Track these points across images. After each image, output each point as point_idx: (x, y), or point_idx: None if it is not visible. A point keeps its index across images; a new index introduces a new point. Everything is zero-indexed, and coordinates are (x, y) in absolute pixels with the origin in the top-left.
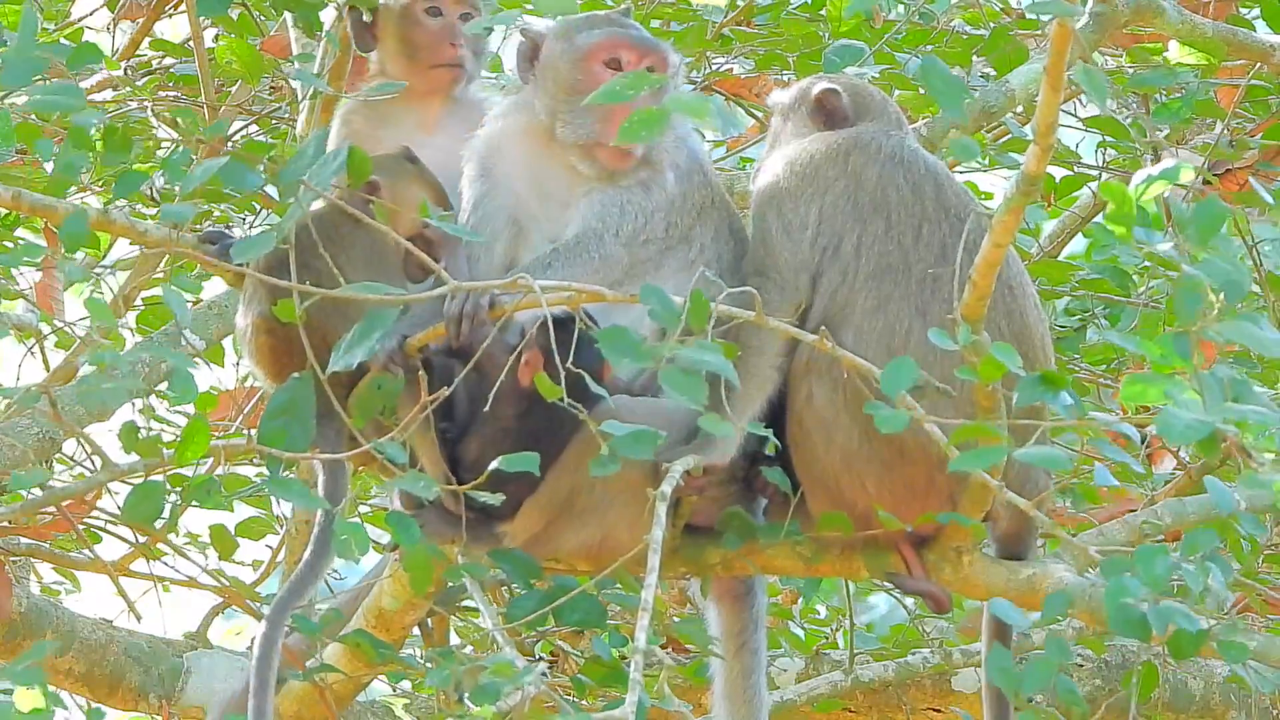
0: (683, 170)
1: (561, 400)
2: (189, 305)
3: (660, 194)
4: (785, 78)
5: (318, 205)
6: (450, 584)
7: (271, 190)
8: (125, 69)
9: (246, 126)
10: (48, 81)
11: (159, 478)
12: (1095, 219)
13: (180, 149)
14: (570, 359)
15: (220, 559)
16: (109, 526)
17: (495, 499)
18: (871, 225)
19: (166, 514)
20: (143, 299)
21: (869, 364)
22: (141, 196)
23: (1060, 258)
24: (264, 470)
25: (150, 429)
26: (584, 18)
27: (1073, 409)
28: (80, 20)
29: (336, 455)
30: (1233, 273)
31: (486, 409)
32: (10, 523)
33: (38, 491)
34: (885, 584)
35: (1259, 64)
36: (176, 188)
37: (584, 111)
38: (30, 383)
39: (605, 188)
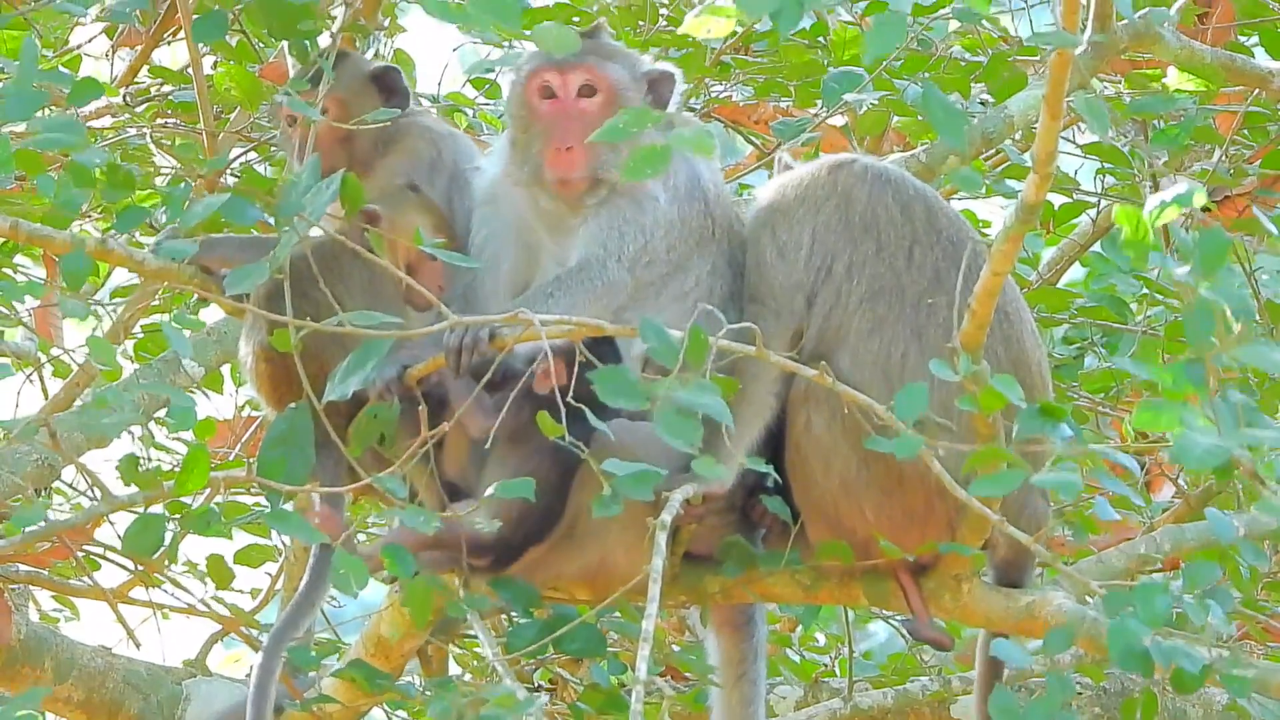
0: (681, 193)
1: (563, 438)
2: (187, 335)
3: (654, 208)
4: (785, 105)
5: (316, 233)
6: (450, 613)
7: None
8: (124, 96)
9: (245, 153)
10: (49, 111)
11: (158, 508)
12: (1094, 246)
13: (181, 183)
14: (571, 392)
15: (218, 588)
16: (108, 554)
17: (492, 526)
18: (862, 246)
19: (166, 543)
20: (141, 326)
21: (869, 399)
22: (142, 225)
23: (1059, 285)
24: (263, 499)
25: (149, 457)
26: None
27: (1072, 440)
28: (79, 47)
29: (336, 489)
30: (1244, 297)
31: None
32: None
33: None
34: (884, 611)
35: (1257, 90)
36: (177, 221)
37: (525, 147)
38: (29, 412)
39: (600, 211)
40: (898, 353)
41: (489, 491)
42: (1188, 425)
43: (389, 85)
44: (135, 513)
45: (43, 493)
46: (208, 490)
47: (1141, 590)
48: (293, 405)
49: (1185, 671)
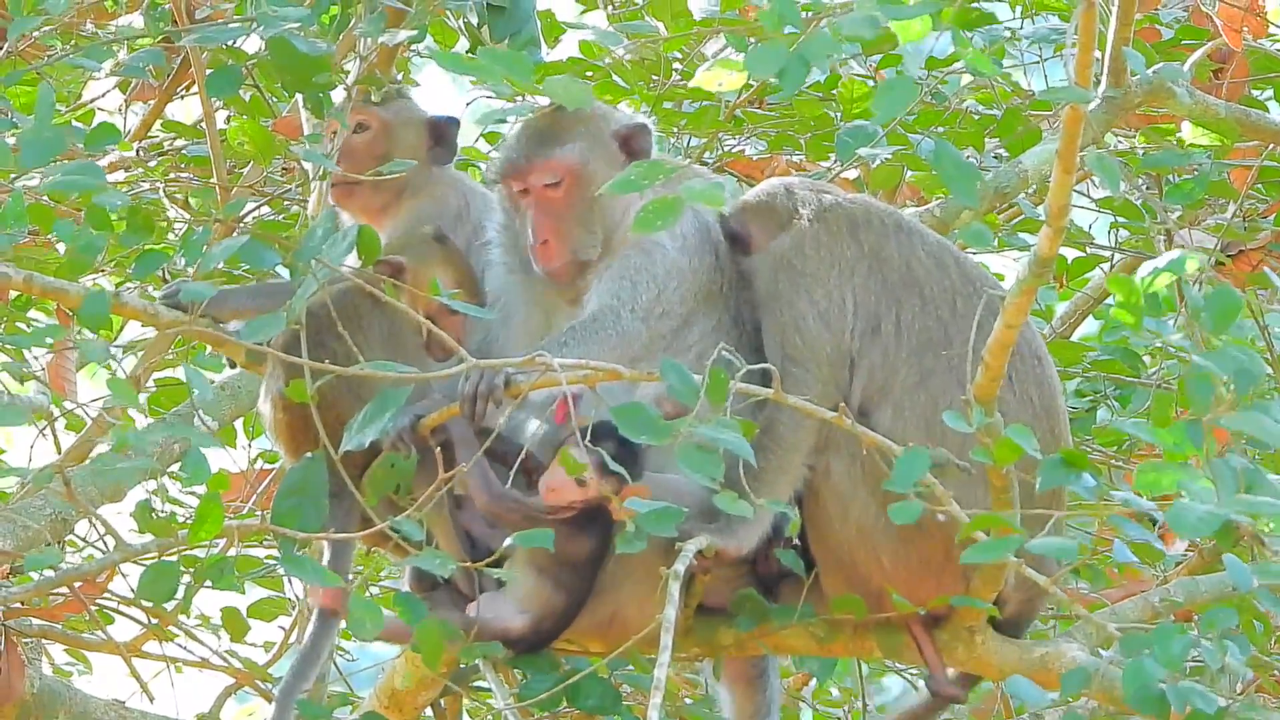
0: (691, 243)
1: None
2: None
3: (663, 256)
4: (797, 159)
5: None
6: (463, 664)
7: (283, 271)
8: (137, 150)
9: (259, 207)
10: (63, 163)
11: (173, 558)
12: (1107, 300)
13: (200, 228)
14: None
15: (232, 641)
16: (121, 607)
17: (509, 576)
18: (908, 303)
19: (180, 595)
20: (154, 380)
21: (889, 442)
22: (155, 278)
23: (1072, 339)
24: (276, 551)
25: (163, 510)
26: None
27: (1094, 490)
28: (92, 102)
29: (351, 535)
30: (1245, 361)
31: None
32: (23, 604)
33: (50, 572)
34: (898, 664)
35: (1272, 145)
36: (190, 270)
37: (517, 237)
38: (43, 464)
39: (611, 263)
40: (944, 404)
41: (507, 542)
42: (1187, 488)
43: (441, 134)
44: (148, 563)
45: (56, 546)
46: (222, 541)
47: (1160, 632)
48: (308, 455)
49: (1201, 714)
